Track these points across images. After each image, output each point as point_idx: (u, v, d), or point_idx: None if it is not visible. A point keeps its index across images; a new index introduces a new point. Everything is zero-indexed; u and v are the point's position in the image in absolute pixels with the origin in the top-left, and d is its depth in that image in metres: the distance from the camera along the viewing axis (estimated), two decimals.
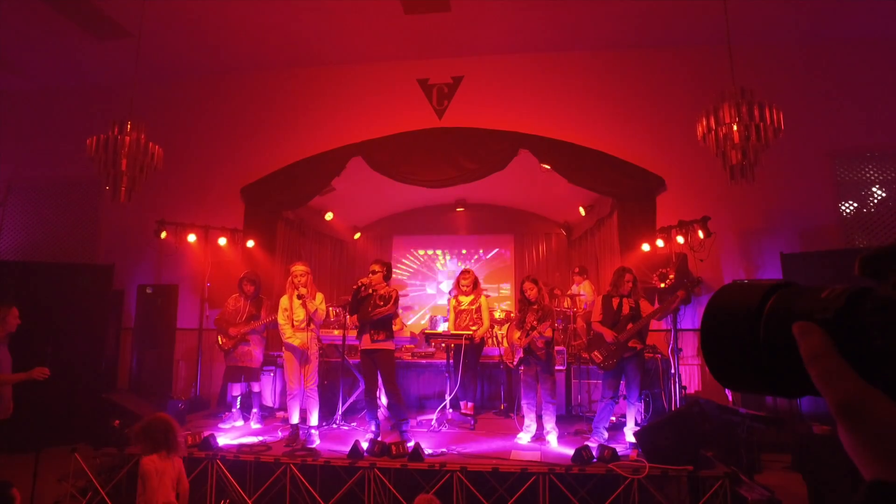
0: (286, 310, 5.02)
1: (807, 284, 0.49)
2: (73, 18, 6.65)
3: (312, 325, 5.03)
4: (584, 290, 7.58)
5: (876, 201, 6.77)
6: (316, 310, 4.94)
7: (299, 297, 4.92)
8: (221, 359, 6.30)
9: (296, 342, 4.92)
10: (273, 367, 6.46)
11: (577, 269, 7.99)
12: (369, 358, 4.94)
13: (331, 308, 6.42)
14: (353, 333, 6.08)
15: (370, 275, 5.01)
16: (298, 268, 5.03)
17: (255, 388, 5.70)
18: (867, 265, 0.46)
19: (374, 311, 4.91)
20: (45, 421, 5.36)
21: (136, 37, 6.44)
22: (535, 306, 4.98)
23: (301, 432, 4.85)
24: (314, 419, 4.92)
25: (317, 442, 4.74)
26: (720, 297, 0.52)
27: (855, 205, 6.78)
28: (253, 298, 5.66)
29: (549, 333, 4.83)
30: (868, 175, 6.81)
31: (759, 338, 0.48)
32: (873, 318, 0.42)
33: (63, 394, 5.82)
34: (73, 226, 8.05)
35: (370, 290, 4.97)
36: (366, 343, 4.92)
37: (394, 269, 10.72)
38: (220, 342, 5.60)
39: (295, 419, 4.96)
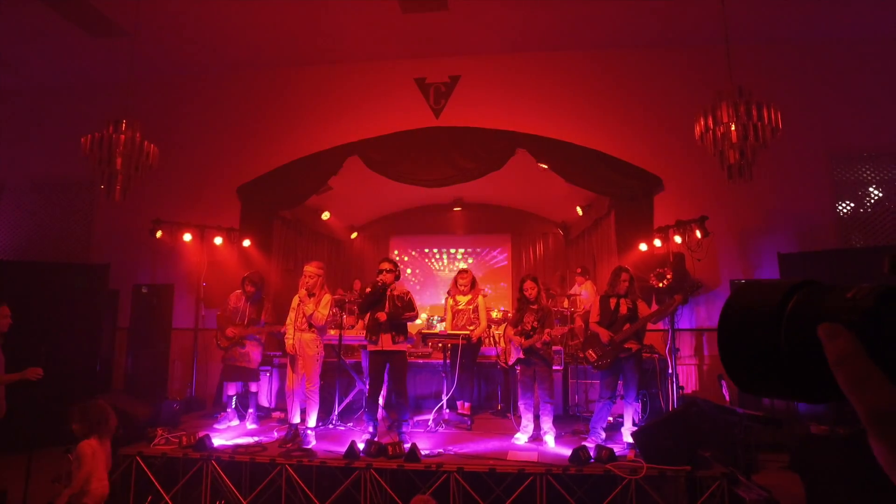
0: (293, 309, 5.02)
1: (828, 283, 0.47)
2: (68, 16, 6.60)
3: (314, 328, 4.97)
4: (585, 290, 7.58)
5: (873, 201, 6.78)
6: (313, 313, 4.84)
7: (301, 299, 4.92)
8: (217, 359, 6.27)
9: (288, 342, 4.92)
10: (269, 367, 6.43)
11: (579, 270, 7.99)
12: (384, 358, 4.85)
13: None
14: (350, 333, 6.06)
15: (384, 273, 4.91)
16: (308, 268, 5.00)
17: (253, 388, 5.67)
18: (894, 266, 0.44)
19: (405, 314, 4.88)
20: (38, 421, 5.30)
21: (131, 35, 6.40)
22: (535, 306, 4.97)
23: (302, 431, 4.84)
24: (312, 420, 4.89)
25: (313, 443, 4.72)
26: (737, 297, 0.50)
27: (852, 205, 6.79)
28: (253, 300, 5.60)
29: (549, 337, 4.83)
30: (865, 175, 6.82)
31: (780, 340, 0.46)
32: None
33: (57, 394, 5.75)
34: (68, 225, 8.00)
35: (388, 291, 4.92)
36: (386, 344, 4.80)
37: None
38: (218, 341, 5.58)
39: (293, 419, 4.94)
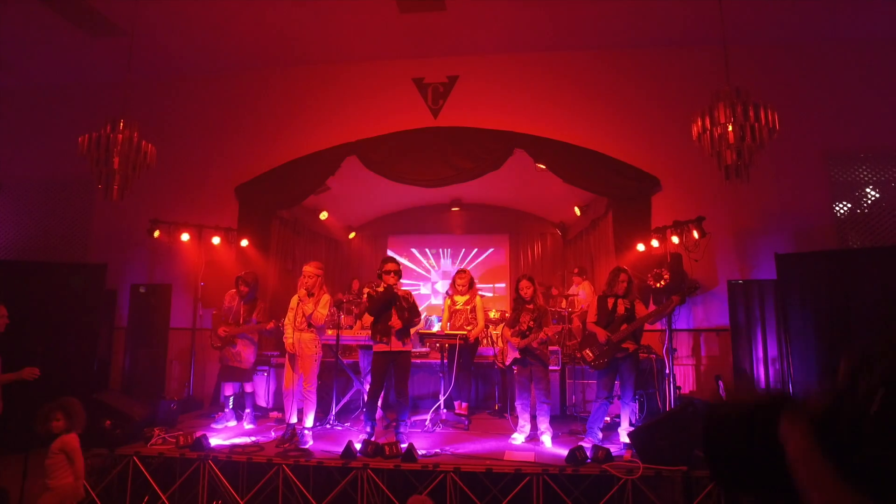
0: (292, 309, 5.06)
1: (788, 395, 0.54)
2: (65, 16, 6.60)
3: (313, 328, 5.00)
4: (583, 290, 7.59)
5: (869, 202, 6.79)
6: (312, 312, 4.87)
7: (300, 299, 4.96)
8: (215, 359, 6.26)
9: (287, 341, 4.94)
10: (266, 367, 6.43)
11: (576, 270, 8.00)
12: (391, 359, 4.84)
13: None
14: (348, 333, 6.06)
15: (391, 275, 4.90)
16: (308, 268, 5.06)
17: (248, 389, 5.67)
18: (846, 372, 0.51)
19: (414, 320, 4.92)
20: (35, 421, 5.30)
21: (129, 35, 6.40)
22: (531, 306, 4.97)
23: (299, 430, 4.86)
24: (309, 421, 4.91)
25: (310, 442, 4.72)
26: (713, 412, 0.59)
27: (849, 205, 6.80)
28: (247, 300, 5.61)
29: (545, 335, 4.83)
30: (862, 176, 6.83)
31: (753, 444, 0.53)
32: (850, 434, 0.46)
33: (54, 394, 5.72)
34: (66, 224, 7.98)
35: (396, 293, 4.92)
36: (396, 346, 4.82)
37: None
38: (211, 339, 5.60)
39: (291, 418, 4.95)
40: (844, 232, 6.72)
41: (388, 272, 4.90)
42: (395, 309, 4.84)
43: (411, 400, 6.38)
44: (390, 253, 11.28)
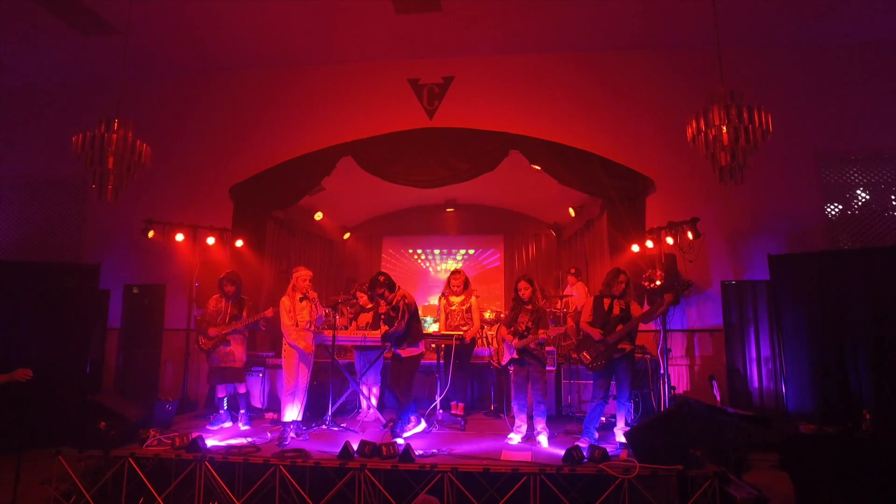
0: (289, 311, 5.18)
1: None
2: (59, 14, 6.55)
3: (312, 326, 5.23)
4: (577, 290, 7.62)
5: (860, 203, 6.87)
6: (323, 312, 5.21)
7: (311, 301, 5.18)
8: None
9: (301, 345, 5.13)
10: (262, 368, 6.41)
11: (572, 271, 8.03)
12: (395, 362, 5.22)
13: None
14: (344, 334, 6.03)
15: (383, 298, 5.20)
16: (306, 272, 5.34)
17: (241, 390, 5.63)
18: None
19: (413, 322, 5.26)
20: (27, 423, 5.26)
21: (123, 34, 6.37)
22: (529, 307, 4.99)
23: (286, 429, 4.93)
24: (299, 414, 5.13)
25: (291, 434, 4.87)
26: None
27: (840, 207, 6.88)
28: (234, 299, 5.60)
29: (544, 336, 4.85)
30: (853, 178, 6.91)
31: None
32: None
33: (46, 395, 5.70)
34: (59, 224, 7.93)
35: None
36: (400, 352, 5.22)
37: (384, 270, 10.68)
38: (200, 343, 5.55)
39: (287, 417, 5.01)
40: (836, 233, 6.80)
41: (381, 295, 5.18)
42: (393, 321, 5.12)
43: None
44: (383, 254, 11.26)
